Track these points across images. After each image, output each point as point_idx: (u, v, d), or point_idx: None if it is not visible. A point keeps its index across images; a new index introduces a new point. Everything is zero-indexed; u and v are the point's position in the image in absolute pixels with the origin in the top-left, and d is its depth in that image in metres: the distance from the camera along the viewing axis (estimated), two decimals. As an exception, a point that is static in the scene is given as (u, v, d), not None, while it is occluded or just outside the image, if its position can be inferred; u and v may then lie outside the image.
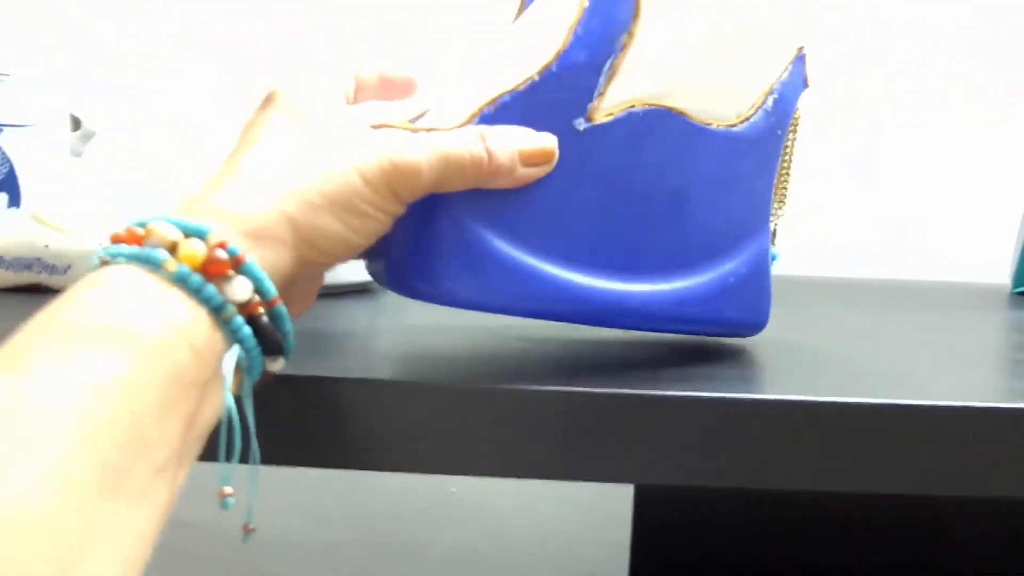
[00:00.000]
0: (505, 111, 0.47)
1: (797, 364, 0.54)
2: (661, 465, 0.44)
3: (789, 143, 0.57)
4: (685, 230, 0.50)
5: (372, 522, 1.04)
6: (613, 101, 0.48)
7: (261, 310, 0.39)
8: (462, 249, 0.46)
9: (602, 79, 0.48)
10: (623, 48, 0.48)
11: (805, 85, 0.55)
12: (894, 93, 1.10)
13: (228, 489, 0.39)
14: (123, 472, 0.32)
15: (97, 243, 0.68)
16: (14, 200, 0.79)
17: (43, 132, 0.80)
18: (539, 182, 0.47)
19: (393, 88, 0.53)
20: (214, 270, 0.37)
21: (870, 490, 0.43)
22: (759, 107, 0.52)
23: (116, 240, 0.38)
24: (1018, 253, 0.95)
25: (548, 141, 0.46)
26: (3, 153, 0.78)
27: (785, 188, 0.58)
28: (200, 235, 0.37)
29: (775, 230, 0.58)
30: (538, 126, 0.47)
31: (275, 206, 0.40)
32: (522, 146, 0.45)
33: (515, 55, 0.48)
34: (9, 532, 0.28)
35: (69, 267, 0.68)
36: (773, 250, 0.58)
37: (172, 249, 0.37)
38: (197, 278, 0.37)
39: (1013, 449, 0.43)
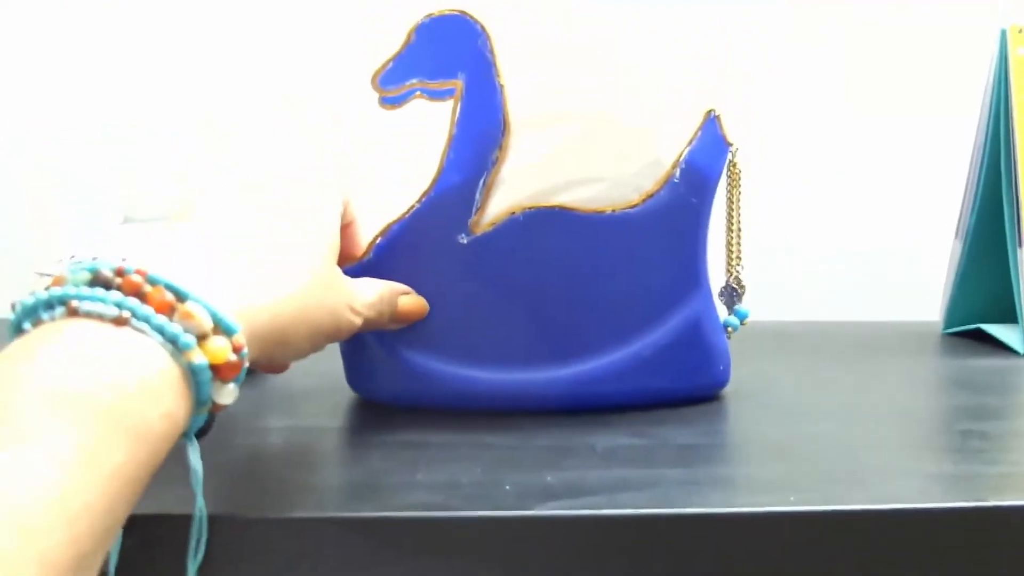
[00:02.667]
0: (395, 238, 0.53)
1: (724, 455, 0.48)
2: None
3: (734, 200, 0.57)
4: (585, 315, 0.53)
5: None
6: (495, 211, 0.52)
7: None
8: (376, 360, 0.55)
9: (478, 195, 0.52)
10: (496, 162, 0.52)
11: (727, 144, 0.55)
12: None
13: None
14: (91, 559, 0.29)
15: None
16: None
17: None
18: (436, 295, 0.53)
19: None
20: (227, 374, 0.35)
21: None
22: (665, 181, 0.53)
23: (106, 283, 0.34)
24: (949, 291, 0.86)
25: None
26: None
27: (739, 244, 0.58)
28: (229, 333, 0.35)
29: (737, 287, 0.58)
30: (425, 246, 0.53)
31: (277, 314, 0.40)
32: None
33: (403, 185, 0.54)
34: None
35: None
36: (740, 308, 0.58)
37: (201, 338, 0.35)
38: (208, 376, 0.34)
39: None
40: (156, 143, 0.96)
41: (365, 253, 0.53)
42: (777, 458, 0.43)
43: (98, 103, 0.97)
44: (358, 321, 0.47)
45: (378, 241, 0.53)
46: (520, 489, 0.38)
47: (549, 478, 0.39)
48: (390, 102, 0.54)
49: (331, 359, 0.55)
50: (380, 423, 0.51)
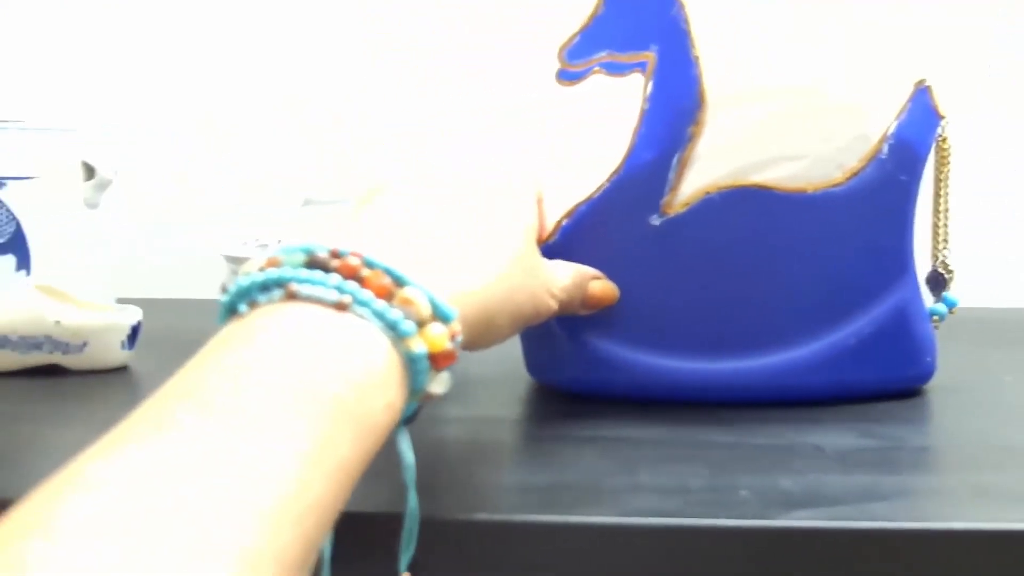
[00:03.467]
0: (582, 219, 0.50)
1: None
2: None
3: (942, 178, 0.53)
4: (783, 302, 0.50)
5: None
6: (689, 190, 0.49)
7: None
8: (558, 346, 0.52)
9: (671, 174, 0.49)
10: (692, 138, 0.49)
11: (938, 117, 0.51)
12: None
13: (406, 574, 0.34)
14: (315, 553, 0.28)
15: (116, 315, 0.60)
16: (23, 263, 0.69)
17: (52, 184, 0.70)
18: (624, 279, 0.50)
19: None
20: (443, 363, 0.33)
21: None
22: (871, 157, 0.49)
23: (322, 266, 0.33)
24: None
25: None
26: (8, 210, 0.69)
27: (946, 226, 0.54)
28: (447, 320, 0.34)
29: (944, 273, 0.54)
30: (615, 228, 0.50)
31: (485, 298, 0.38)
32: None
33: (591, 162, 0.51)
34: None
35: (85, 344, 0.59)
36: (950, 296, 0.54)
37: (419, 325, 0.33)
38: (426, 365, 0.33)
39: None
40: (156, 143, 0.95)
41: (551, 235, 0.51)
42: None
43: (98, 103, 0.96)
44: (555, 305, 0.45)
45: (564, 223, 0.51)
46: (757, 495, 0.35)
47: (786, 483, 0.36)
48: (568, 77, 0.50)
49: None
50: (575, 416, 0.48)
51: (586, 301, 0.49)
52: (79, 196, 0.70)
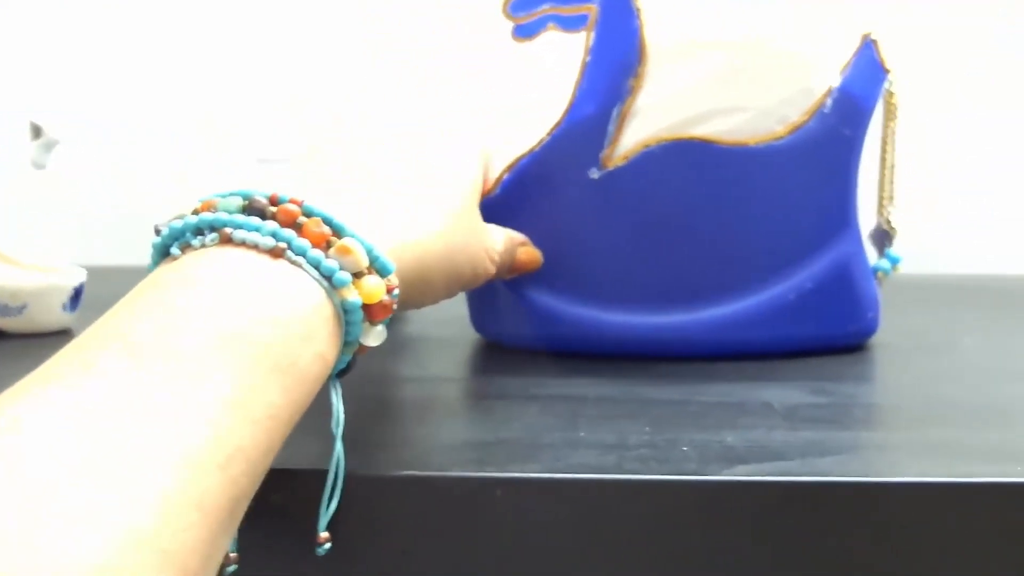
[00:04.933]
0: (523, 173, 0.48)
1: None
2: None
3: (888, 134, 0.51)
4: (724, 255, 0.48)
5: None
6: (629, 144, 0.47)
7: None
8: (503, 301, 0.51)
9: (611, 126, 0.47)
10: (632, 91, 0.47)
11: (884, 71, 0.49)
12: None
13: (325, 534, 0.31)
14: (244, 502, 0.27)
15: (57, 277, 0.56)
16: None
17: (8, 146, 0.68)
18: (565, 233, 0.48)
19: None
20: (378, 315, 0.32)
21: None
22: (814, 111, 0.47)
23: (260, 212, 0.31)
24: None
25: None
26: None
27: (891, 183, 0.52)
28: (384, 273, 0.32)
29: (888, 230, 0.52)
30: (555, 181, 0.48)
31: (422, 253, 0.37)
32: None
33: (531, 116, 0.49)
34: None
35: (25, 306, 0.56)
36: (892, 254, 0.52)
37: (356, 275, 0.31)
38: (360, 316, 0.31)
39: None
40: (156, 143, 0.93)
41: (492, 188, 0.48)
42: (983, 422, 0.37)
43: (97, 103, 0.94)
44: (493, 269, 0.43)
45: (505, 176, 0.48)
46: (699, 451, 0.33)
47: (729, 438, 0.34)
48: (522, 33, 0.48)
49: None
50: (518, 373, 0.46)
51: (513, 266, 0.47)
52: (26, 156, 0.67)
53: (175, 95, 0.93)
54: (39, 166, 0.67)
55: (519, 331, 0.51)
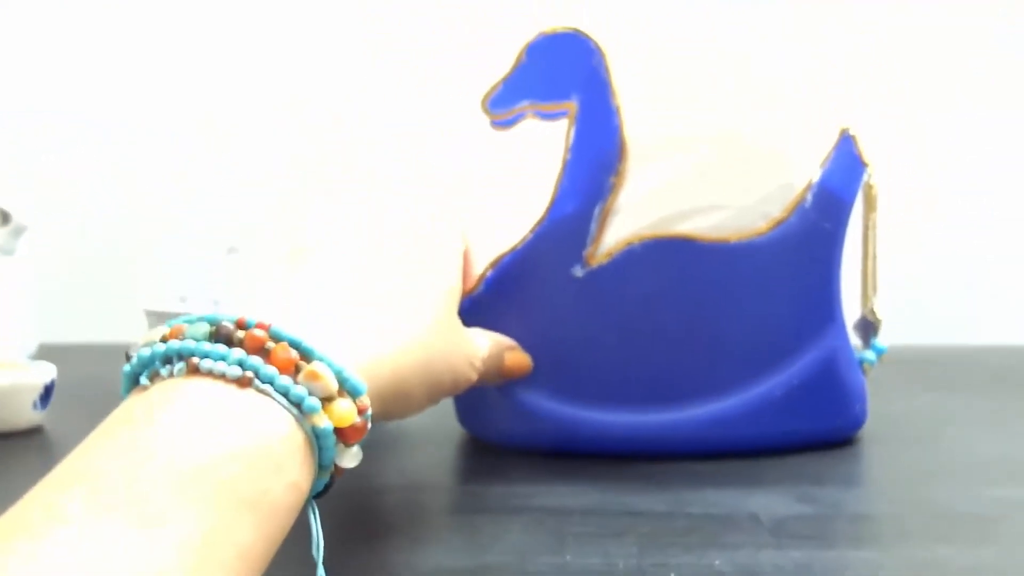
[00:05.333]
0: (506, 271, 0.48)
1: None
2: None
3: (870, 225, 0.51)
4: (709, 353, 0.47)
5: None
6: (611, 241, 0.47)
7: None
8: (488, 398, 0.50)
9: (593, 224, 0.47)
10: (613, 189, 0.47)
11: (863, 164, 0.50)
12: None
13: None
14: None
15: (26, 374, 0.54)
16: None
17: None
18: (549, 331, 0.48)
19: None
20: (352, 438, 0.31)
21: None
22: (795, 207, 0.47)
23: (227, 338, 0.30)
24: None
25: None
26: None
27: (874, 273, 0.52)
28: (356, 394, 0.31)
29: (873, 320, 0.52)
30: (538, 279, 0.48)
31: (398, 366, 0.36)
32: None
33: (514, 214, 0.49)
34: None
35: None
36: (878, 344, 0.52)
37: (326, 400, 0.30)
38: (333, 440, 0.30)
39: None
40: (156, 143, 0.93)
41: (474, 287, 0.48)
42: (977, 536, 0.36)
43: (98, 103, 0.94)
44: (475, 377, 0.43)
45: (488, 274, 0.48)
46: (687, 576, 0.32)
47: (718, 562, 0.33)
48: (502, 124, 0.48)
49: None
50: (503, 479, 0.45)
51: (502, 371, 0.47)
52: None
53: (172, 98, 0.94)
54: (7, 252, 0.68)
55: (503, 428, 0.50)
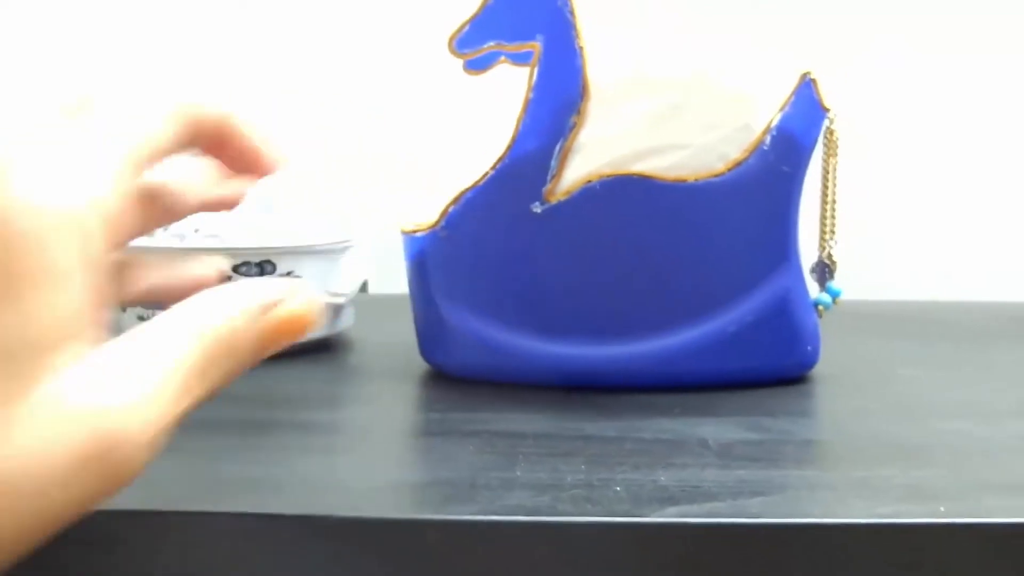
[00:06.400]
0: (468, 205, 0.48)
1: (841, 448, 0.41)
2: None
3: (830, 170, 0.52)
4: (666, 288, 0.48)
5: None
6: (571, 179, 0.47)
7: None
8: (448, 332, 0.51)
9: (554, 162, 0.47)
10: (574, 128, 0.47)
11: (823, 109, 0.50)
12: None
13: None
14: None
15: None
16: None
17: None
18: (509, 265, 0.48)
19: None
20: None
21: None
22: (754, 148, 0.48)
23: None
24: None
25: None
26: None
27: (833, 217, 0.52)
28: None
29: (829, 264, 0.52)
30: (499, 214, 0.48)
31: None
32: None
33: (478, 150, 0.49)
34: None
35: None
36: (833, 287, 0.53)
37: None
38: None
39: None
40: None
41: (437, 221, 0.49)
42: (912, 460, 0.37)
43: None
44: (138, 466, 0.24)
45: (451, 209, 0.48)
46: (632, 491, 0.33)
47: (663, 478, 0.34)
48: (473, 67, 0.48)
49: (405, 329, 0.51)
50: (461, 407, 0.45)
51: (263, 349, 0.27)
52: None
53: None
54: None
55: (463, 360, 0.50)
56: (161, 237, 0.55)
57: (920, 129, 0.92)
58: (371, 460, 0.37)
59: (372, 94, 0.92)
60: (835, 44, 0.86)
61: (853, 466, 0.36)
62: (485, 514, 0.31)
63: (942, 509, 0.31)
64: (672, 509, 0.31)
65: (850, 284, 0.54)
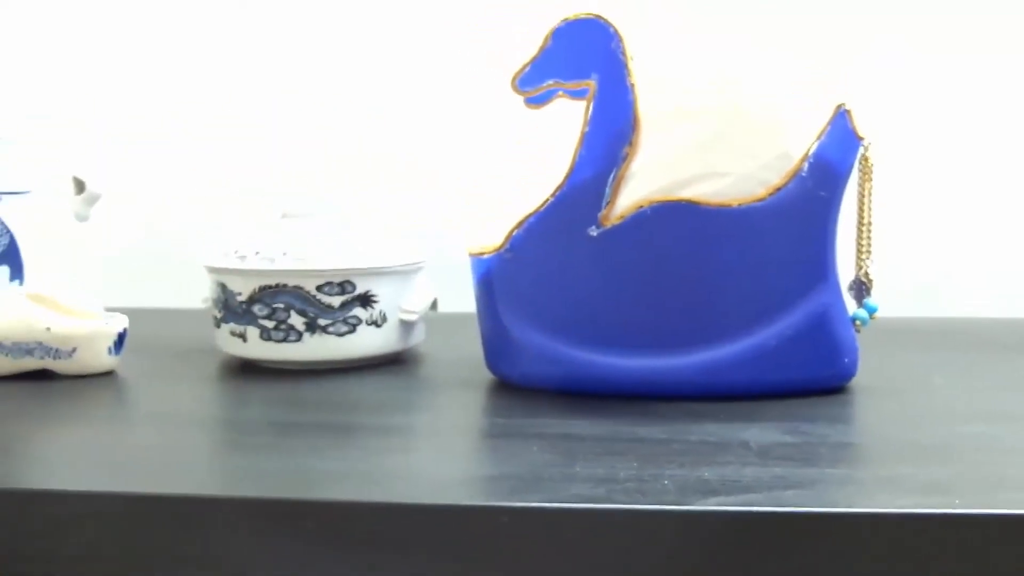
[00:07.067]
0: (530, 229, 0.53)
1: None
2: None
3: (865, 194, 0.55)
4: (712, 305, 0.52)
5: None
6: (624, 204, 0.52)
7: None
8: (513, 345, 0.55)
9: (608, 189, 0.51)
10: (626, 158, 0.51)
11: (858, 139, 0.53)
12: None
13: None
14: None
15: (104, 323, 0.61)
16: (16, 273, 0.70)
17: (44, 198, 0.71)
18: (568, 284, 0.53)
19: None
20: None
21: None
22: (793, 175, 0.51)
23: None
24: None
25: None
26: (3, 223, 0.69)
27: (869, 238, 0.56)
28: None
29: (866, 282, 0.56)
30: (558, 238, 0.53)
31: None
32: None
33: (538, 179, 0.54)
34: None
35: (75, 350, 0.60)
36: (870, 303, 0.56)
37: None
38: None
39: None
40: (156, 143, 0.96)
41: (503, 244, 0.54)
42: (935, 459, 0.41)
43: (98, 102, 0.97)
44: None
45: (515, 233, 0.53)
46: (678, 484, 0.37)
47: (707, 474, 0.38)
48: (534, 102, 0.54)
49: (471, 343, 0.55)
50: (524, 413, 0.50)
51: None
52: (69, 209, 0.72)
53: (167, 103, 0.96)
54: (82, 218, 0.73)
55: (526, 371, 0.55)
56: (253, 260, 0.60)
57: (931, 136, 0.93)
58: (445, 457, 0.42)
59: (372, 94, 0.93)
60: (834, 44, 0.89)
61: (881, 466, 0.40)
62: (549, 502, 0.35)
63: (957, 502, 0.34)
64: (713, 499, 0.35)
65: (888, 301, 0.57)
